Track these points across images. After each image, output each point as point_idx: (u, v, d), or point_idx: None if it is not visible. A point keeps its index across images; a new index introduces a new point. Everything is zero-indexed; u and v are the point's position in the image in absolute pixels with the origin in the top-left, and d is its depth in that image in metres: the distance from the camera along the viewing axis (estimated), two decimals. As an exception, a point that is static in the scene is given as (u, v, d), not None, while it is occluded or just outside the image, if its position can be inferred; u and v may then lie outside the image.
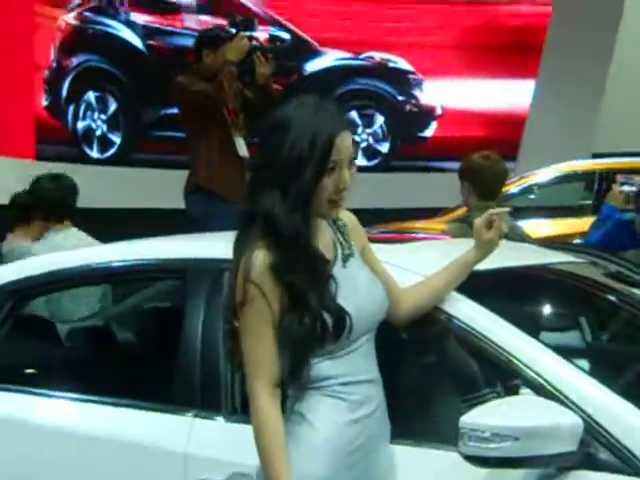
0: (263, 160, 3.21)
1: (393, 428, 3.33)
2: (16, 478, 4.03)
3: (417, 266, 3.64)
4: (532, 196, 11.79)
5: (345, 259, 3.31)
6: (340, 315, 3.13)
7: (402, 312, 3.42)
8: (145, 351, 4.88)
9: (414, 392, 3.77)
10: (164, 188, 10.96)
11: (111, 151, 14.03)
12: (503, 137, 14.73)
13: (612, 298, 4.35)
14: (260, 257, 3.12)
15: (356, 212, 3.48)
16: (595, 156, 13.67)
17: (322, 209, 3.19)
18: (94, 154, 13.99)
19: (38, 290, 4.52)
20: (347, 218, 3.41)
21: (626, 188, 6.69)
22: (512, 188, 11.99)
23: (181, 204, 7.74)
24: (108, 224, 8.46)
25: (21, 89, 13.41)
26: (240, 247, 3.20)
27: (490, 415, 3.13)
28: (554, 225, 10.56)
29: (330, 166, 3.13)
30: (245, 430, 3.26)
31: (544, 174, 12.18)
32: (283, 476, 3.07)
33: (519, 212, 10.85)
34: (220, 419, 3.69)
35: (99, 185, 12.71)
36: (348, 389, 3.18)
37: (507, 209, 3.64)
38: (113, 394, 3.99)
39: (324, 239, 3.31)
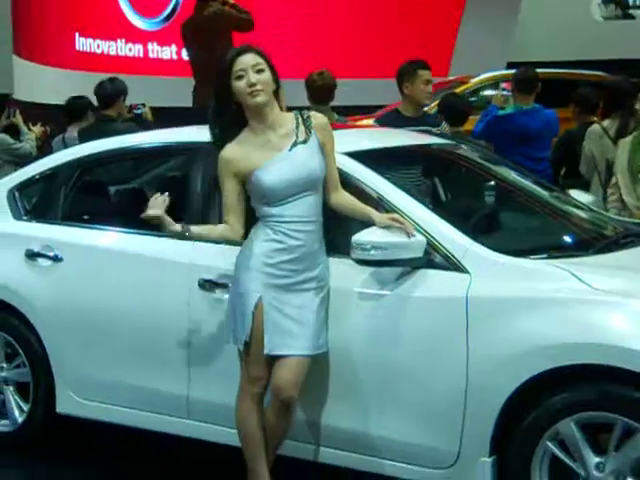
0: None
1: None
2: (78, 277, 4.56)
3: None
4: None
5: (294, 145, 3.76)
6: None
7: (329, 202, 3.91)
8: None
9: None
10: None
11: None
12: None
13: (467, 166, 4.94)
14: (226, 149, 3.78)
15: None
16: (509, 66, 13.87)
17: (247, 100, 3.74)
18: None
19: (97, 162, 4.88)
20: (318, 119, 3.83)
21: (504, 92, 7.17)
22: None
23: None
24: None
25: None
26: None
27: (370, 235, 3.73)
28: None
29: (237, 75, 3.72)
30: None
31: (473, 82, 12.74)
32: None
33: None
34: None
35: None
36: (278, 225, 3.76)
37: None
38: (144, 228, 4.33)
39: (284, 128, 3.78)
